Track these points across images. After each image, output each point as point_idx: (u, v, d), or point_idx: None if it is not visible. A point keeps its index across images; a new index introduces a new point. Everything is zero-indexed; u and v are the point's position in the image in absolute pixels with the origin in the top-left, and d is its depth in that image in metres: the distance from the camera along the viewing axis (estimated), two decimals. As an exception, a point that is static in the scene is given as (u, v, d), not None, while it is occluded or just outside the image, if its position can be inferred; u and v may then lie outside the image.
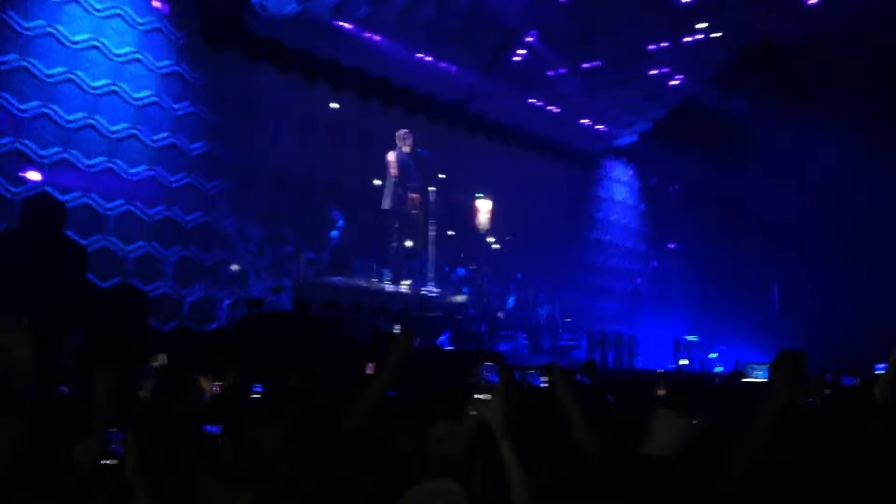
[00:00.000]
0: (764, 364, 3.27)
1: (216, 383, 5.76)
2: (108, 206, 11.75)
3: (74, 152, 11.41)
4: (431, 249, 15.92)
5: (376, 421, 3.31)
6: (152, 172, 12.31)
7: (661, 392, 5.54)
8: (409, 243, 15.44)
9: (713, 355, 18.45)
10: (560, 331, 16.84)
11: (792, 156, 17.94)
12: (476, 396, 2.64)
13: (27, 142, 10.92)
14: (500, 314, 15.87)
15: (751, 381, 5.67)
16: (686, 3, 15.05)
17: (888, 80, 15.76)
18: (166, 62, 12.56)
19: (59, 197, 11.02)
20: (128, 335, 5.94)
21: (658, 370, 11.68)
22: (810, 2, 15.53)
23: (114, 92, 11.89)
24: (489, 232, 17.29)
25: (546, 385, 3.05)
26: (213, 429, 3.66)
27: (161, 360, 5.20)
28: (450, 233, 16.59)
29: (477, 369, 2.73)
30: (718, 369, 16.79)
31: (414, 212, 15.20)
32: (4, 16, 10.75)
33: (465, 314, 15.41)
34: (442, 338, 14.35)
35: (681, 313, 20.61)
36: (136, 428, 3.44)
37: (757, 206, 18.97)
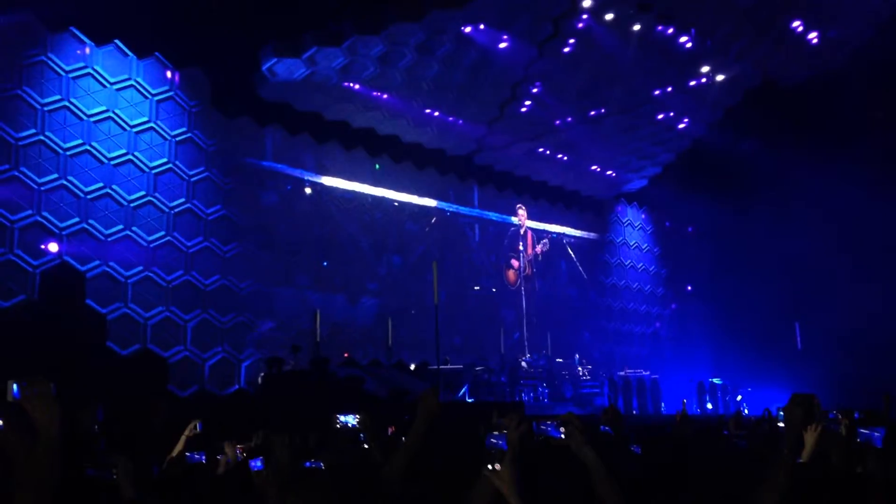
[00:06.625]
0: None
1: (240, 447, 5.77)
2: (127, 273, 11.85)
3: (93, 222, 11.57)
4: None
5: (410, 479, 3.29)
6: (170, 238, 12.46)
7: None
8: None
9: (738, 398, 18.19)
10: (581, 378, 16.64)
11: (803, 192, 17.92)
12: (487, 467, 2.55)
13: (46, 213, 11.09)
14: (522, 363, 15.74)
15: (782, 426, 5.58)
16: (689, 48, 15.23)
17: (892, 113, 15.81)
18: (180, 129, 12.79)
19: (79, 267, 11.17)
20: (147, 406, 5.94)
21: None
22: (812, 43, 15.69)
23: (130, 161, 12.11)
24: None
25: (563, 438, 2.81)
26: (255, 464, 3.70)
27: (194, 427, 5.20)
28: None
29: (484, 438, 2.64)
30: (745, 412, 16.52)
31: None
32: (21, 92, 11.02)
33: (485, 365, 15.29)
34: (462, 390, 14.25)
35: (703, 355, 20.39)
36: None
37: (771, 243, 18.89)
